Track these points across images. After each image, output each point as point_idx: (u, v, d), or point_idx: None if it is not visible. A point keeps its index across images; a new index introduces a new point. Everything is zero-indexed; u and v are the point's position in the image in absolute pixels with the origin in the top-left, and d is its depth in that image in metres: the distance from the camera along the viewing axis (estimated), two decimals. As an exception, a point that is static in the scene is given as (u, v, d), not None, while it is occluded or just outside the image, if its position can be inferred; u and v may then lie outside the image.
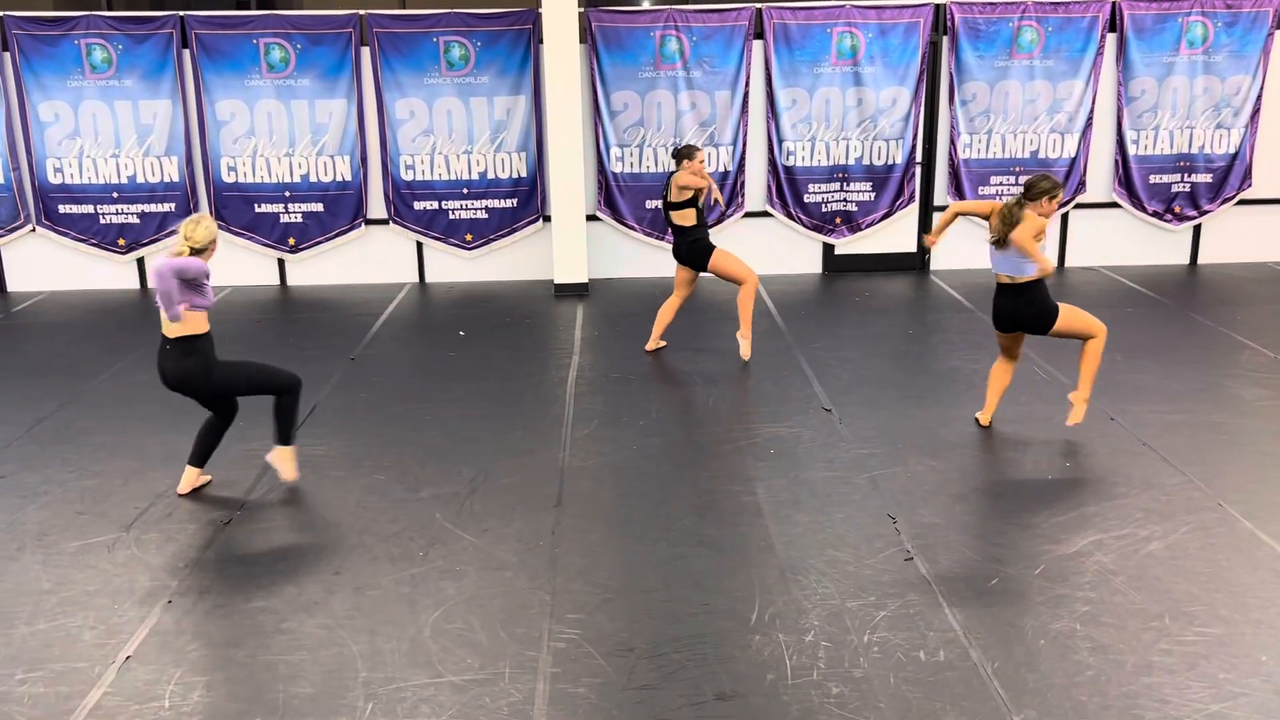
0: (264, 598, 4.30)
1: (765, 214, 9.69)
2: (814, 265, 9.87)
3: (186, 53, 9.15)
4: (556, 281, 9.18)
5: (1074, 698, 3.57)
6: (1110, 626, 3.98)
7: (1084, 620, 4.02)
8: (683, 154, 6.98)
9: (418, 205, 9.52)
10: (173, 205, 9.46)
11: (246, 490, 5.34)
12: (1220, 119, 9.46)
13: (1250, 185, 9.62)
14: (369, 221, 9.61)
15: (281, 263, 9.70)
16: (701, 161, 7.00)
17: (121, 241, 9.53)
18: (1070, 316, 5.67)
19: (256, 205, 9.47)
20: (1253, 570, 4.37)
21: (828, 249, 9.83)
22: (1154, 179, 9.59)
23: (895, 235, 9.79)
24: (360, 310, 8.80)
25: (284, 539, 4.82)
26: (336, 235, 9.58)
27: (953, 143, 9.51)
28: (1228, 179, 9.58)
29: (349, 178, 9.44)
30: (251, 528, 4.92)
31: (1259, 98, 9.40)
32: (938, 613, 4.10)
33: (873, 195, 9.62)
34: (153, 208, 9.47)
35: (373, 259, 9.70)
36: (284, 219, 9.51)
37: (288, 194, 9.45)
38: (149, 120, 9.26)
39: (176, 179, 9.39)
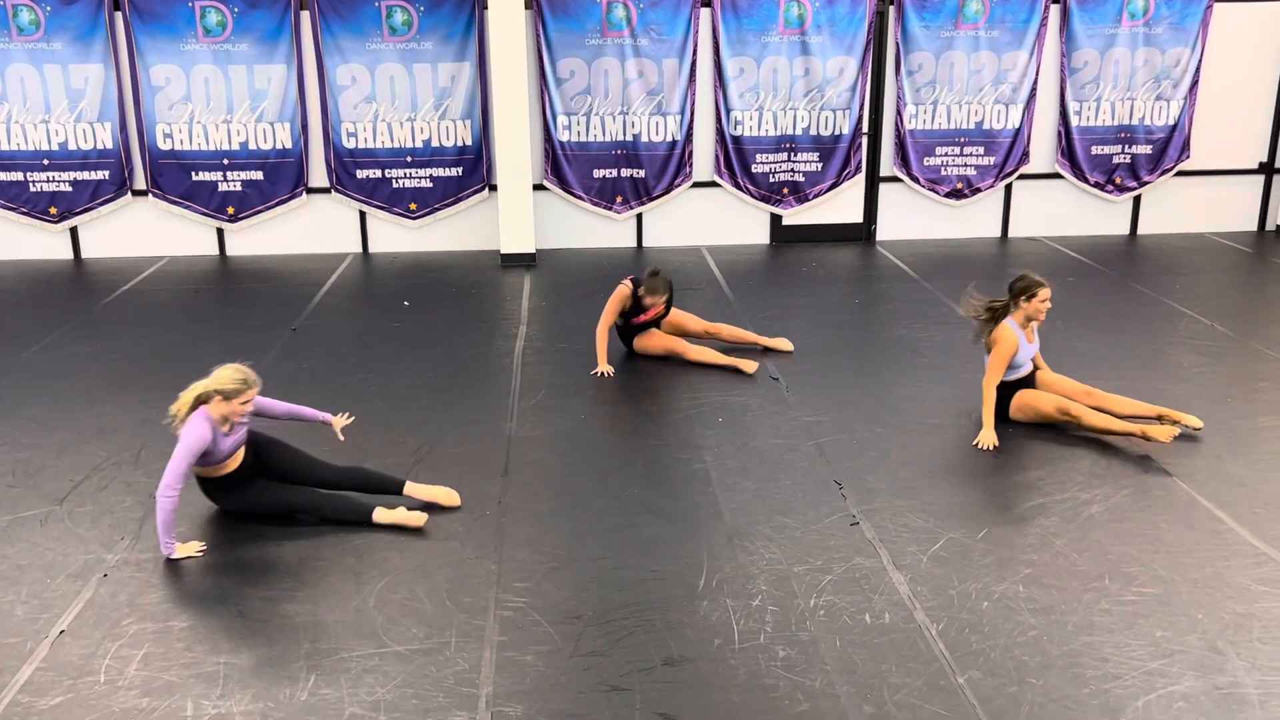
0: (203, 569, 4.22)
1: (713, 184, 9.66)
2: (762, 235, 9.87)
3: (119, 15, 8.88)
4: (503, 251, 9.08)
5: (1016, 657, 3.61)
6: (1052, 588, 4.04)
7: (1026, 582, 4.08)
8: (649, 289, 6.49)
9: (360, 173, 9.35)
10: (106, 173, 9.20)
11: (185, 462, 5.22)
12: (1160, 91, 9.59)
13: (1189, 157, 9.78)
14: (310, 190, 9.42)
15: (220, 232, 9.48)
16: (662, 297, 6.54)
17: (53, 210, 9.26)
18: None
19: (194, 173, 9.24)
20: (1189, 531, 4.45)
21: (775, 219, 9.83)
22: (1095, 150, 9.71)
23: (842, 206, 9.82)
24: (302, 280, 8.64)
25: (224, 514, 4.71)
26: (277, 204, 9.38)
27: (899, 113, 9.53)
28: (1167, 150, 9.72)
29: (289, 145, 9.24)
30: (190, 499, 4.81)
31: (1197, 70, 9.53)
32: (883, 576, 4.13)
33: (820, 166, 9.63)
34: (85, 175, 9.20)
35: (315, 228, 9.52)
36: (222, 187, 9.30)
37: (226, 162, 9.23)
38: (80, 85, 8.98)
39: (110, 146, 9.13)
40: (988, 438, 5.31)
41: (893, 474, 5.03)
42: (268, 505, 4.61)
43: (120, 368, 6.62)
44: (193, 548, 4.35)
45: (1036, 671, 3.54)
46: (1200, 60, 9.52)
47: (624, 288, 6.54)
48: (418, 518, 4.53)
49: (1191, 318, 7.38)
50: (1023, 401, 5.52)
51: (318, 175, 9.39)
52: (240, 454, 4.60)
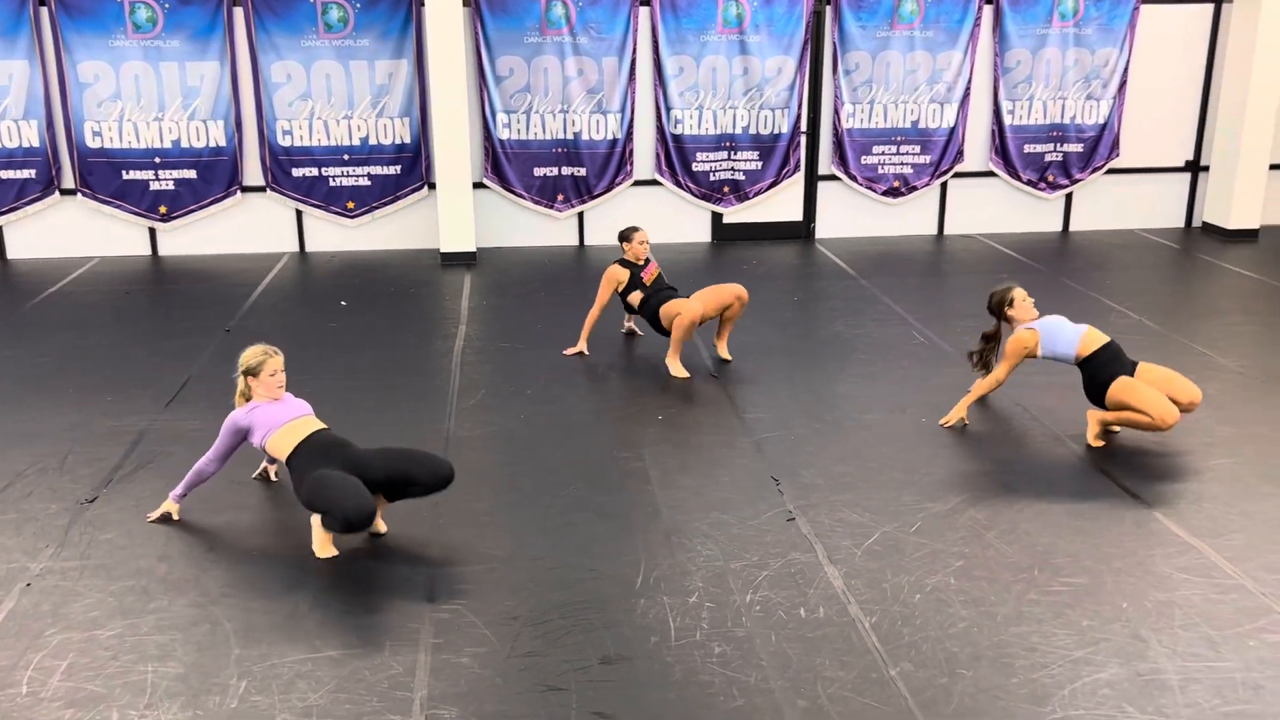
0: (131, 577, 4.14)
1: (654, 182, 9.68)
2: (703, 234, 9.91)
3: (44, 10, 8.67)
4: (443, 250, 9.02)
5: (947, 649, 3.67)
6: (982, 579, 4.10)
7: (958, 574, 4.14)
8: (622, 236, 6.63)
9: (296, 172, 9.22)
10: (33, 171, 8.98)
11: (113, 467, 5.12)
12: (1090, 90, 9.78)
13: (1118, 155, 9.99)
14: (245, 189, 9.28)
15: (152, 232, 9.31)
16: (642, 243, 6.56)
17: (-23, 210, 9.02)
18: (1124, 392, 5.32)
19: (124, 172, 9.05)
20: (1115, 522, 4.55)
21: (716, 217, 9.88)
22: (1028, 148, 9.88)
23: (782, 204, 9.89)
24: (237, 280, 8.51)
25: (153, 519, 4.63)
26: (210, 203, 9.23)
27: (836, 112, 9.63)
28: (1097, 149, 9.93)
29: (223, 143, 9.09)
30: (119, 505, 4.72)
31: (1125, 70, 9.74)
32: (818, 571, 4.17)
33: (759, 164, 9.69)
34: (11, 174, 8.97)
35: (250, 227, 9.38)
36: (154, 186, 9.12)
37: (158, 160, 9.06)
38: (4, 81, 8.76)
39: (36, 144, 8.91)
40: (956, 414, 5.55)
41: (829, 470, 5.08)
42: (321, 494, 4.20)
43: (47, 371, 6.47)
44: (169, 508, 4.53)
45: (967, 663, 3.60)
46: (1128, 60, 9.73)
47: (611, 268, 6.59)
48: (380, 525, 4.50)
49: (1121, 313, 7.54)
50: (1124, 392, 5.21)
51: (252, 174, 9.25)
52: (301, 430, 4.41)
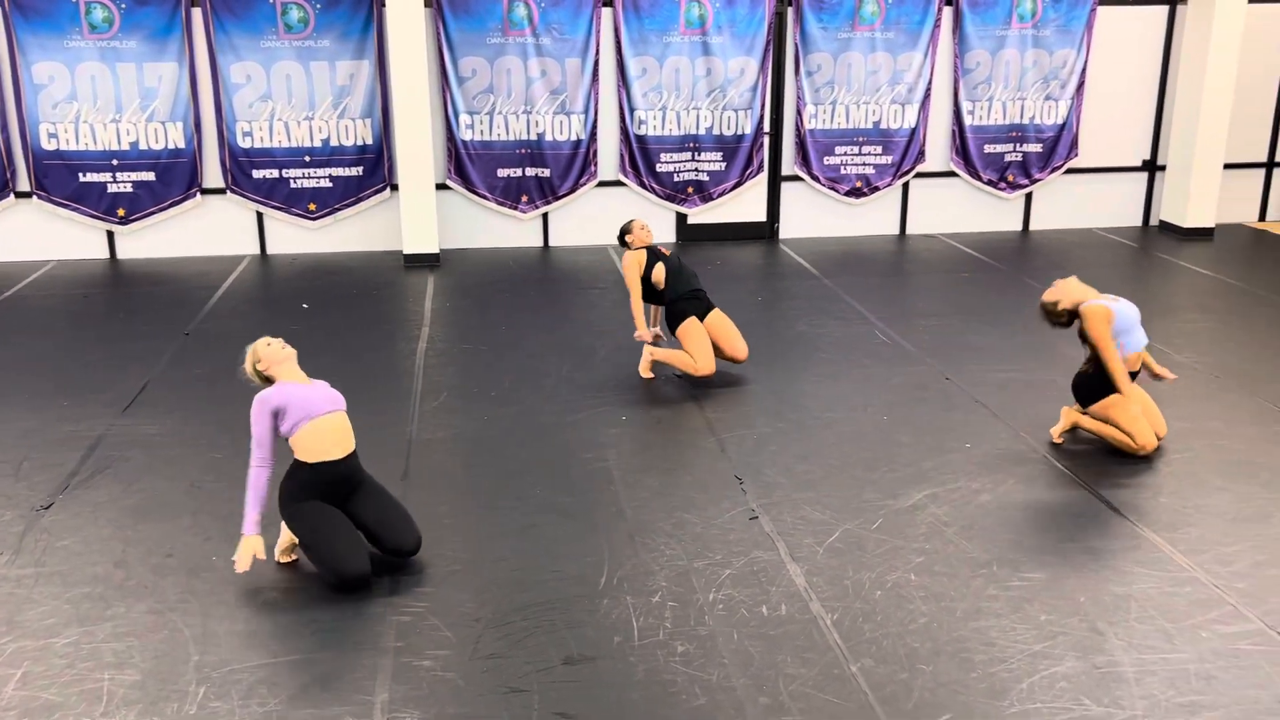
0: (88, 584, 4.08)
1: (619, 183, 9.68)
2: (667, 234, 9.92)
3: (-3, 10, 8.55)
4: (406, 252, 8.98)
5: (908, 645, 3.70)
6: (943, 575, 4.14)
7: (918, 570, 4.17)
8: (622, 231, 6.42)
9: (257, 174, 9.15)
10: (-13, 174, 8.85)
11: (69, 473, 5.06)
12: (1049, 91, 9.89)
13: (1077, 155, 10.11)
14: (205, 191, 9.19)
15: (111, 235, 9.19)
16: (643, 228, 6.36)
17: (-70, 213, 8.87)
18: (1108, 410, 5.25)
19: (81, 174, 8.94)
20: (1074, 517, 4.61)
21: (680, 218, 9.90)
22: (988, 149, 9.98)
23: (745, 205, 9.92)
24: (196, 283, 8.42)
25: (110, 524, 4.58)
26: (170, 205, 9.13)
27: (799, 113, 9.67)
28: (1056, 149, 10.04)
29: (182, 145, 9.00)
30: (74, 512, 4.66)
31: (1083, 71, 9.86)
32: (780, 569, 4.19)
33: (723, 165, 9.72)
34: (-36, 177, 8.84)
35: (210, 230, 9.29)
36: (112, 188, 9.01)
37: (115, 162, 8.95)
38: (-43, 82, 8.63)
39: (-10, 146, 8.79)
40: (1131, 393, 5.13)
41: (791, 468, 5.11)
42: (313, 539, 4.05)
43: (2, 376, 6.37)
44: (253, 547, 3.98)
45: (926, 658, 3.63)
46: (1086, 61, 9.85)
47: (627, 255, 6.29)
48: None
49: (1079, 311, 7.62)
50: (1115, 408, 5.15)
51: (212, 176, 9.16)
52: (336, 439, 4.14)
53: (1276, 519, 4.60)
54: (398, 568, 4.21)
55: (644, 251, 6.29)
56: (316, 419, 4.12)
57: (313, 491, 4.10)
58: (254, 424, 4.12)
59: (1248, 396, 5.82)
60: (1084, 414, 5.34)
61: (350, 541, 4.05)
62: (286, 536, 4.25)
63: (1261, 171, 10.49)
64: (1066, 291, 5.34)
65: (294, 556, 4.26)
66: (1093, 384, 5.25)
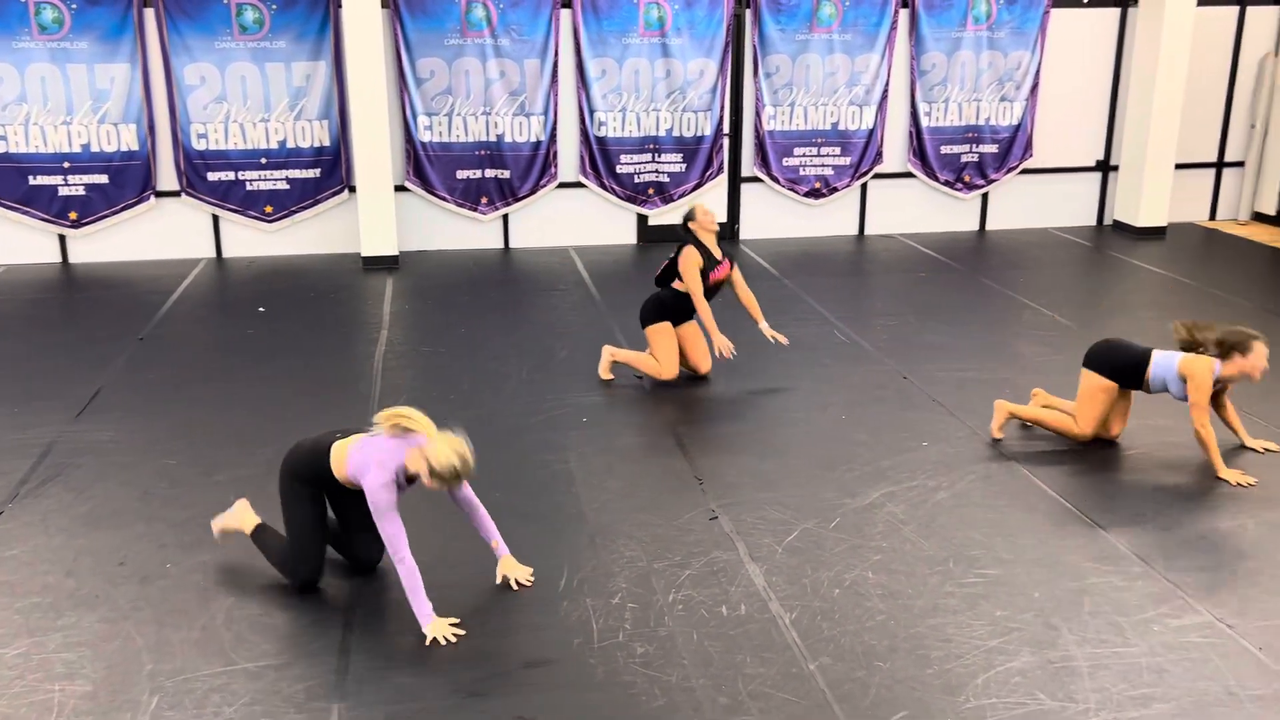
0: (38, 594, 4.02)
1: (579, 185, 9.67)
2: (628, 236, 9.92)
3: (-57, 10, 8.39)
4: (364, 254, 8.91)
5: (865, 642, 3.73)
6: (900, 573, 4.18)
7: (876, 568, 4.21)
8: (686, 219, 6.12)
9: (212, 176, 9.04)
10: (-66, 177, 8.68)
11: (19, 481, 4.97)
12: (1004, 92, 10.00)
13: (1031, 155, 10.22)
14: (159, 194, 9.07)
15: (62, 239, 9.04)
16: (706, 214, 6.06)
17: (-126, 217, 8.68)
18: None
19: (31, 177, 8.78)
20: (1029, 514, 4.66)
21: (641, 219, 9.90)
22: (945, 149, 10.07)
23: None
24: (151, 288, 8.31)
25: (61, 532, 4.51)
26: (123, 208, 9.00)
27: (758, 114, 9.71)
28: (1011, 149, 10.15)
29: (135, 147, 8.87)
30: (24, 521, 4.59)
31: (1037, 72, 9.98)
32: (740, 569, 4.21)
33: (683, 166, 9.74)
34: (-90, 180, 8.66)
35: (164, 233, 9.17)
36: (63, 191, 8.87)
37: (67, 165, 8.81)
38: (-98, 84, 8.45)
39: (-63, 148, 8.62)
40: (1234, 475, 4.97)
41: (751, 468, 5.13)
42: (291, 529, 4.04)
43: None
44: (445, 627, 3.76)
45: (884, 655, 3.66)
46: (1040, 63, 9.96)
47: (687, 250, 6.00)
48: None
49: (1035, 309, 7.72)
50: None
51: (166, 178, 9.04)
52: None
53: (1227, 514, 4.69)
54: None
55: (700, 255, 6.00)
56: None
57: (322, 485, 4.02)
58: (389, 506, 3.74)
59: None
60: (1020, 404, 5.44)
61: (319, 547, 4.03)
62: (238, 517, 4.22)
63: (1211, 171, 10.67)
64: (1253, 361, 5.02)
65: (233, 533, 4.26)
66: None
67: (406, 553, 3.74)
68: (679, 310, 6.20)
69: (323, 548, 4.06)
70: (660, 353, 6.16)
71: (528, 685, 3.51)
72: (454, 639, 3.74)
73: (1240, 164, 10.64)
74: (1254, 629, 3.81)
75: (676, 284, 6.16)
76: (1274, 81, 10.31)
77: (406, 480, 3.82)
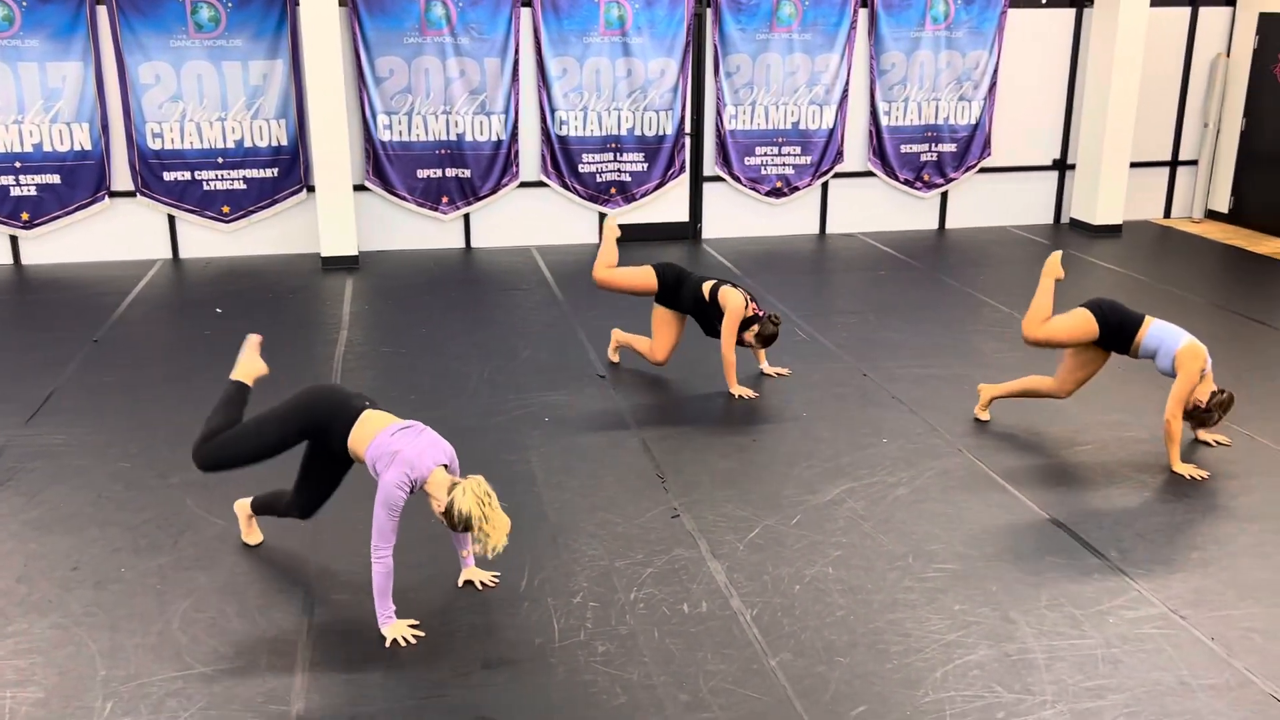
0: (-12, 600, 3.95)
1: (541, 184, 9.65)
2: (591, 235, 9.91)
3: (-111, 6, 8.22)
4: (323, 254, 8.83)
5: (825, 638, 3.75)
6: (860, 568, 4.20)
7: (836, 564, 4.23)
8: (761, 322, 5.95)
9: (168, 176, 8.92)
10: (-120, 177, 8.50)
11: (-30, 486, 4.88)
12: (962, 92, 10.09)
13: (990, 154, 10.33)
14: (113, 194, 8.94)
15: (15, 240, 8.89)
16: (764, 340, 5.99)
17: None
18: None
19: (-18, 177, 8.64)
20: (986, 509, 4.71)
21: (604, 219, 9.89)
22: (904, 149, 10.15)
23: (668, 205, 9.95)
24: (105, 289, 8.19)
25: (13, 537, 4.43)
26: (76, 209, 8.86)
27: (719, 114, 9.74)
28: (970, 148, 10.25)
29: (88, 147, 8.74)
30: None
31: (995, 72, 10.08)
32: (701, 566, 4.22)
33: (645, 166, 9.74)
34: None
35: (119, 234, 9.04)
36: (15, 192, 8.71)
37: (18, 165, 8.66)
38: None
39: (-117, 148, 8.44)
40: (1188, 469, 5.08)
41: (713, 466, 5.14)
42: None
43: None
44: (404, 628, 3.72)
45: (844, 650, 3.67)
46: (998, 62, 10.07)
47: (739, 301, 5.89)
48: (255, 535, 4.39)
49: (993, 307, 7.79)
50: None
51: (121, 178, 8.92)
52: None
53: (1182, 506, 4.76)
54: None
55: (748, 319, 5.92)
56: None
57: (319, 434, 3.98)
58: (397, 505, 3.66)
59: (1155, 389, 6.00)
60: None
61: (249, 460, 4.00)
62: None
63: (1166, 170, 10.83)
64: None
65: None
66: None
67: (389, 552, 3.66)
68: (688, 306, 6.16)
69: (249, 463, 4.00)
70: (657, 334, 6.27)
71: (489, 685, 3.50)
72: (413, 640, 3.72)
73: (1194, 163, 10.81)
74: (1206, 620, 3.87)
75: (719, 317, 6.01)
76: (1226, 81, 10.49)
77: (412, 489, 3.72)
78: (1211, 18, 10.44)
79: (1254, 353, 6.80)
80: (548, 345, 6.89)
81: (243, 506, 4.38)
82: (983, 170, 10.37)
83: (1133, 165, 10.40)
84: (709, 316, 6.12)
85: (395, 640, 3.71)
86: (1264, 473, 5.08)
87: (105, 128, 8.74)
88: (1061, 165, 10.56)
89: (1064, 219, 10.67)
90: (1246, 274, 8.85)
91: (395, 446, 3.72)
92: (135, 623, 3.81)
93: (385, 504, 3.64)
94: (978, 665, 3.59)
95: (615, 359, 6.62)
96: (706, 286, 6.06)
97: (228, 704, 3.39)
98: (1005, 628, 3.81)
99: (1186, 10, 10.36)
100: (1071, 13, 10.15)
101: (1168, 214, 10.97)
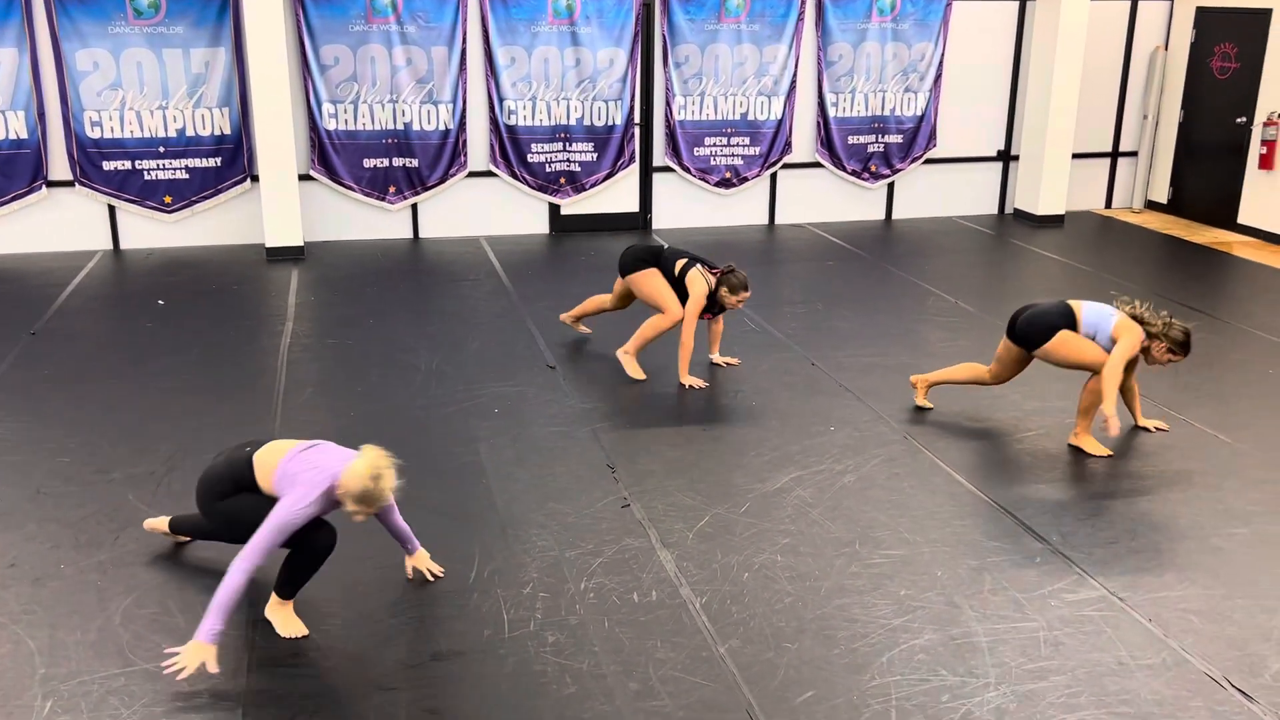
0: (-78, 599, 3.85)
1: (490, 174, 9.59)
2: (541, 225, 9.88)
3: None
4: (268, 245, 8.71)
5: (774, 624, 3.78)
6: (808, 555, 4.24)
7: (784, 551, 4.26)
8: (730, 282, 5.97)
9: (108, 165, 8.74)
10: None
11: (-99, 483, 4.76)
12: (908, 83, 10.18)
13: (935, 145, 10.44)
14: (51, 183, 8.74)
15: (-53, 230, 8.67)
16: (741, 298, 6.00)
17: None
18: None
19: (-88, 166, 8.41)
20: (931, 495, 4.77)
21: (554, 209, 9.86)
22: (852, 140, 10.23)
23: (618, 195, 9.94)
24: (44, 281, 8.01)
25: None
26: (12, 199, 8.65)
27: (668, 104, 9.74)
28: (916, 139, 10.35)
29: (24, 135, 8.53)
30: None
31: (940, 64, 10.19)
32: (651, 555, 4.23)
33: (595, 156, 9.72)
34: None
35: (57, 224, 8.84)
36: (-53, 181, 8.50)
37: (-49, 153, 8.44)
38: None
39: None
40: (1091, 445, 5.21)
41: (663, 455, 5.15)
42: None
43: None
44: (209, 655, 3.35)
45: (792, 636, 3.71)
46: (943, 55, 10.17)
47: (702, 284, 5.96)
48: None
49: (938, 296, 7.89)
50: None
51: (59, 168, 8.72)
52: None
53: (1123, 491, 4.86)
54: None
55: (709, 297, 5.97)
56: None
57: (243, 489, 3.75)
58: (287, 528, 3.49)
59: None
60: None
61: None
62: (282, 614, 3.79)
63: (1107, 161, 11.02)
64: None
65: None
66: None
67: (253, 566, 3.42)
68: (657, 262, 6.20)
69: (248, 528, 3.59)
70: (660, 298, 6.10)
71: (437, 677, 3.48)
72: (209, 671, 3.34)
73: (1134, 154, 11.01)
74: (1144, 601, 3.96)
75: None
76: (1164, 74, 10.70)
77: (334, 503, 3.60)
78: (1150, 11, 10.63)
79: (1192, 340, 6.94)
80: (497, 336, 6.86)
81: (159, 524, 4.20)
82: (928, 161, 10.49)
83: (1075, 156, 10.57)
84: (680, 291, 6.14)
85: (183, 668, 3.31)
86: (1201, 458, 5.20)
87: (42, 116, 8.54)
88: (1005, 156, 10.70)
89: (1008, 209, 10.82)
90: (1185, 263, 9.05)
91: (295, 467, 3.60)
92: (75, 619, 3.74)
93: (278, 526, 3.46)
94: (923, 649, 3.65)
95: (641, 376, 6.16)
96: (679, 264, 6.13)
97: (171, 701, 3.34)
98: (950, 612, 3.87)
99: (1126, 4, 10.54)
100: (1015, 6, 10.28)
101: (1109, 204, 11.17)
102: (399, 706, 3.34)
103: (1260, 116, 9.74)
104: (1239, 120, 9.97)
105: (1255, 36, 9.80)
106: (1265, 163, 9.67)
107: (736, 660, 3.58)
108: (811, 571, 4.12)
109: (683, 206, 10.07)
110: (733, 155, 9.98)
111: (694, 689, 3.43)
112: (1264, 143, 9.65)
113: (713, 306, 6.09)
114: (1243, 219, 10.03)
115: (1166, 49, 10.70)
